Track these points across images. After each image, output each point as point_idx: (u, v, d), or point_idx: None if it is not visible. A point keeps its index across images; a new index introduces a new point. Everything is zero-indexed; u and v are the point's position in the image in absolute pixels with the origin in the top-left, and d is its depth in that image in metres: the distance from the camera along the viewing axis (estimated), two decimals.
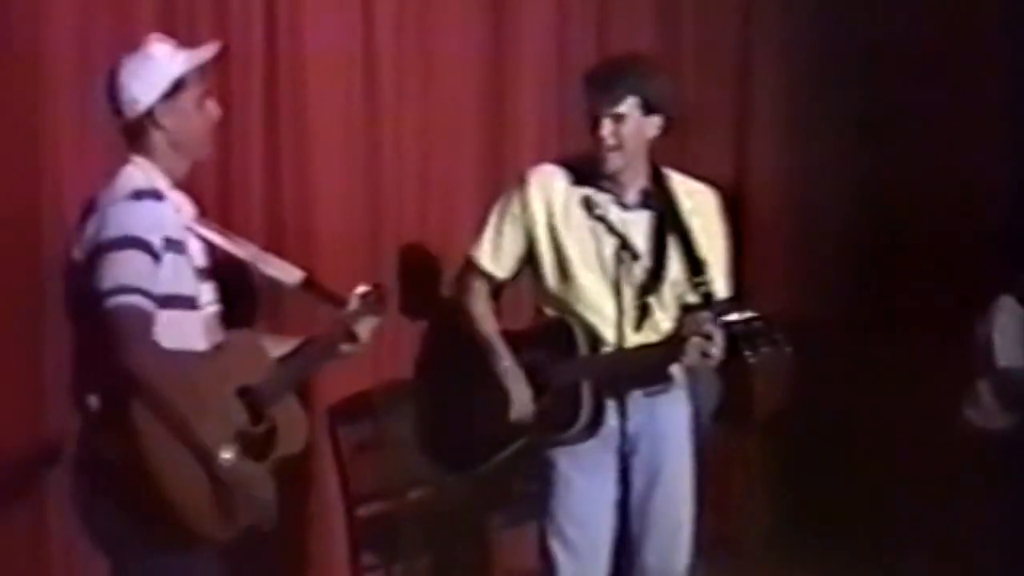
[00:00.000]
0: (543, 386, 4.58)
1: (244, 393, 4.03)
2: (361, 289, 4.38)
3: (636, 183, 4.58)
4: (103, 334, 3.72)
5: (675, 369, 4.61)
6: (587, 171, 4.60)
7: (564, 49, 6.79)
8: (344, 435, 5.82)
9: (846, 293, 7.41)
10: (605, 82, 4.51)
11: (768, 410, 6.47)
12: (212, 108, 4.09)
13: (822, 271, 7.48)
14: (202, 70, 4.06)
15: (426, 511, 6.00)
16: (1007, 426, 5.95)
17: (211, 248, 4.18)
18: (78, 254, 3.87)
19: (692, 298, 4.57)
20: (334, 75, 6.05)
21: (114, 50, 5.29)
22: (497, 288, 4.78)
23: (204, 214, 4.23)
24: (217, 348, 4.05)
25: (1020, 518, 5.94)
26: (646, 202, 4.56)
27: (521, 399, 4.56)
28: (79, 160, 5.42)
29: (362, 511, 5.85)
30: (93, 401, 3.82)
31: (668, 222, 4.53)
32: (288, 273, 4.38)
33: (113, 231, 3.78)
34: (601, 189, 4.56)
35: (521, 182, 4.66)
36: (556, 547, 4.66)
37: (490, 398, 4.59)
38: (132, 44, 5.32)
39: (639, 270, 4.46)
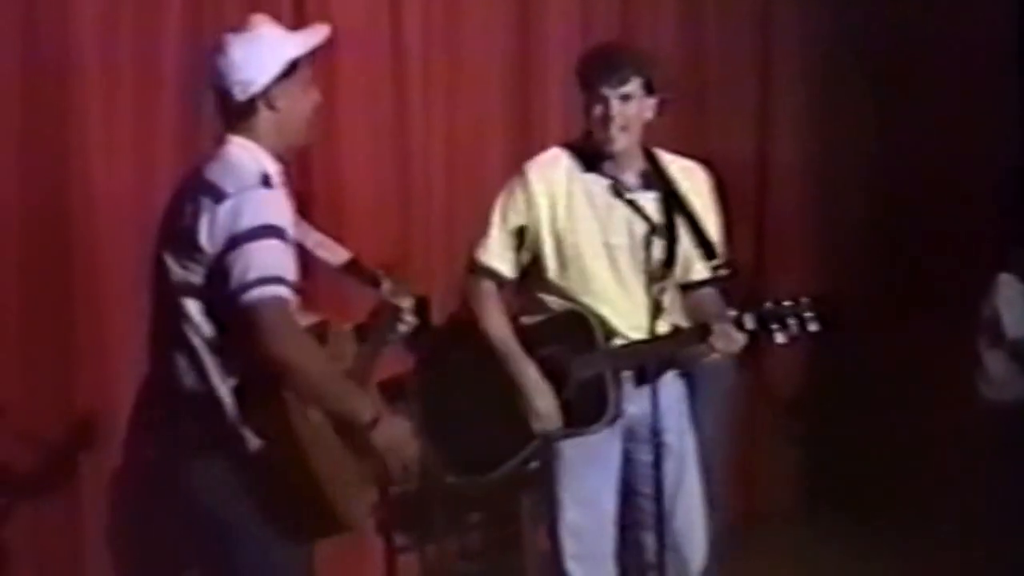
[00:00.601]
0: (564, 380, 4.53)
1: (350, 376, 4.02)
2: (382, 271, 4.37)
3: (635, 165, 4.54)
4: (246, 325, 3.60)
5: None
6: (587, 157, 4.57)
7: (589, 36, 6.76)
8: None
9: (865, 275, 7.41)
10: (611, 64, 4.49)
11: None
12: (314, 93, 3.97)
13: (842, 253, 7.50)
14: (311, 55, 3.94)
15: (458, 492, 5.83)
16: (1020, 396, 5.99)
17: None
18: (206, 242, 3.68)
19: (694, 277, 4.56)
20: (362, 66, 6.06)
21: (141, 49, 5.56)
22: (501, 287, 4.69)
23: None
24: (321, 335, 3.97)
25: None
26: (648, 184, 4.53)
27: (547, 412, 4.50)
28: (107, 155, 5.50)
29: (395, 492, 5.83)
30: (226, 389, 3.72)
31: (672, 203, 4.50)
32: (334, 254, 4.38)
33: (253, 219, 3.66)
34: (602, 174, 4.51)
35: (521, 176, 4.60)
36: (564, 534, 4.63)
37: (506, 399, 4.54)
38: (158, 42, 5.59)
39: (657, 253, 4.40)
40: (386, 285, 4.32)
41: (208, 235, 3.69)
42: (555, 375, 4.54)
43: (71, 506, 5.55)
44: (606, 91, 4.43)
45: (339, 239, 5.53)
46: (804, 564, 6.42)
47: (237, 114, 3.85)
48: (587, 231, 4.53)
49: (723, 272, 4.49)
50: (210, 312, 3.73)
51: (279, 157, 3.89)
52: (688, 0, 7.41)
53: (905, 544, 6.49)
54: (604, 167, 4.51)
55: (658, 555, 4.39)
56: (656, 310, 4.36)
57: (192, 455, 3.78)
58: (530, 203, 4.56)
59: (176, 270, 3.77)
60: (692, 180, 4.62)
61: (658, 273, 4.38)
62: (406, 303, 4.28)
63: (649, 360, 4.40)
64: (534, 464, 4.67)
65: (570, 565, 4.62)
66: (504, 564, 6.31)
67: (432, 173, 6.44)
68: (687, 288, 4.59)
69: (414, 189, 6.39)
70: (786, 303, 4.39)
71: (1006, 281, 6.14)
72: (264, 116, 3.85)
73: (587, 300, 4.52)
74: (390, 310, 4.27)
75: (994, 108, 7.30)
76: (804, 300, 4.40)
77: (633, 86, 4.45)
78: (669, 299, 4.52)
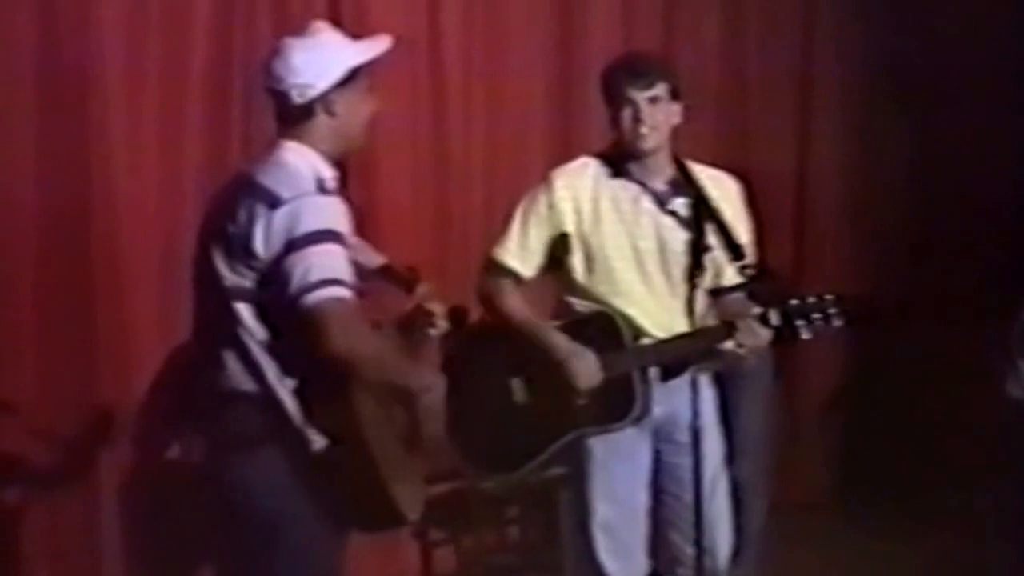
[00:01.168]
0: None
1: None
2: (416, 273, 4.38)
3: (664, 172, 4.54)
4: (309, 327, 3.58)
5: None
6: (615, 164, 4.57)
7: (631, 38, 6.81)
8: None
9: (900, 278, 7.38)
10: (637, 68, 4.49)
11: None
12: (373, 100, 3.95)
13: (878, 258, 7.48)
14: (371, 64, 3.92)
15: (495, 487, 5.90)
16: None
17: None
18: (261, 248, 3.67)
19: (725, 281, 4.52)
20: (400, 75, 6.00)
21: (167, 54, 5.56)
22: (518, 285, 4.67)
23: None
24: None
25: None
26: (677, 191, 4.52)
27: (588, 369, 4.45)
28: (129, 160, 5.50)
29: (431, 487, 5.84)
30: (285, 390, 3.71)
31: (702, 209, 4.45)
32: (369, 258, 4.37)
33: (310, 225, 3.63)
34: (631, 180, 4.53)
35: (546, 182, 4.60)
36: (596, 530, 4.61)
37: (529, 393, 4.54)
38: (185, 48, 5.59)
39: (686, 258, 4.36)
40: (421, 289, 4.32)
41: (264, 240, 3.67)
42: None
43: (89, 503, 5.55)
44: (634, 94, 4.43)
45: (377, 249, 5.62)
46: (837, 554, 6.40)
47: (294, 118, 3.83)
48: (614, 235, 4.53)
49: (750, 275, 4.40)
50: (264, 315, 3.73)
51: (334, 163, 3.89)
52: (730, 11, 7.39)
53: (937, 536, 6.47)
54: (632, 173, 4.52)
55: (696, 557, 4.37)
56: (688, 313, 4.33)
57: (246, 454, 3.77)
58: (552, 209, 4.55)
59: (228, 275, 3.75)
60: (722, 188, 4.59)
61: (689, 275, 4.33)
62: (439, 308, 4.27)
63: (676, 358, 4.41)
64: (556, 469, 4.73)
65: (604, 558, 4.62)
66: (541, 558, 6.28)
67: (471, 184, 6.41)
68: (718, 293, 4.53)
69: (453, 199, 6.36)
70: (811, 299, 4.38)
71: None
72: (321, 121, 3.84)
73: (616, 303, 4.52)
74: (422, 314, 4.26)
75: None
76: (828, 296, 4.40)
77: (660, 89, 4.45)
78: (700, 302, 4.46)
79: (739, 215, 4.60)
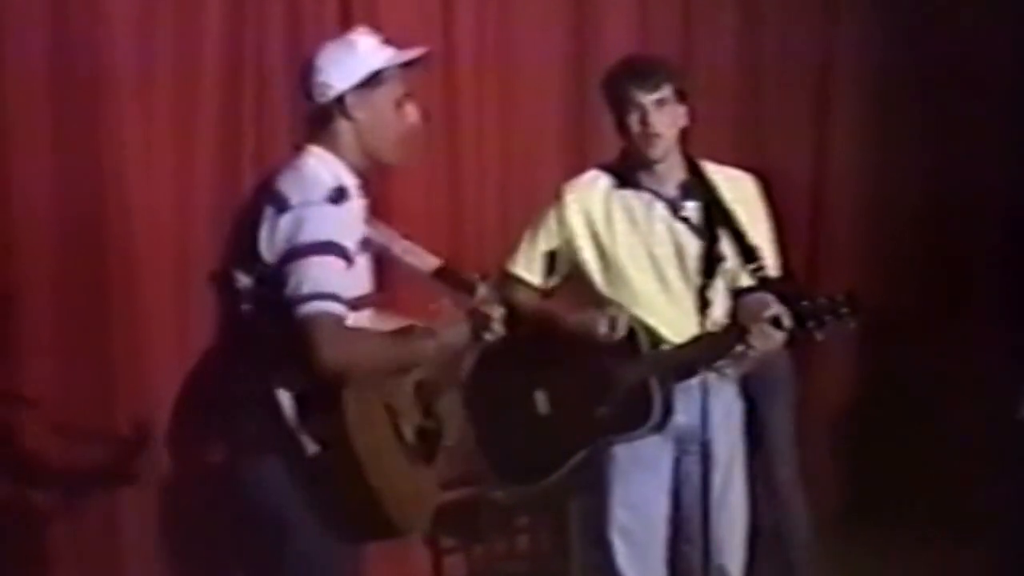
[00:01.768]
0: (610, 387, 4.46)
1: (418, 387, 3.99)
2: (478, 276, 4.24)
3: (674, 176, 4.47)
4: (299, 337, 3.57)
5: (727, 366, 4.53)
6: (624, 173, 4.52)
7: (648, 50, 6.66)
8: None
9: (916, 283, 7.31)
10: (642, 71, 4.43)
11: None
12: (411, 112, 3.86)
13: (894, 262, 7.41)
14: (406, 71, 3.86)
15: (506, 495, 5.90)
16: None
17: None
18: (266, 251, 3.65)
19: (744, 283, 4.46)
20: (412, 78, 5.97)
21: (178, 54, 5.54)
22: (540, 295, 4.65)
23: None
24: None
25: None
26: (687, 194, 4.44)
27: (615, 319, 4.39)
28: (143, 160, 5.48)
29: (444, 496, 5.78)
30: (286, 399, 3.69)
31: (715, 212, 4.41)
32: (423, 260, 4.29)
33: (311, 235, 3.59)
34: (640, 188, 4.47)
35: (557, 198, 4.57)
36: (616, 537, 4.59)
37: (552, 404, 4.52)
38: (196, 47, 5.58)
39: (696, 263, 4.34)
40: (480, 291, 4.18)
41: (268, 244, 3.64)
42: (601, 382, 4.47)
43: (109, 504, 5.55)
44: (641, 97, 4.36)
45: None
46: (847, 567, 6.30)
47: (318, 120, 3.80)
48: (629, 244, 4.48)
49: (763, 275, 4.38)
50: (268, 318, 3.69)
51: (360, 172, 3.82)
52: (747, 13, 7.35)
53: (947, 552, 6.40)
54: (642, 181, 4.46)
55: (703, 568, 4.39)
56: (702, 316, 4.27)
57: (249, 455, 3.77)
58: (562, 223, 4.54)
59: (238, 276, 3.74)
60: (738, 189, 4.53)
61: (700, 280, 4.29)
62: (497, 312, 4.15)
63: (690, 362, 4.35)
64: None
65: (622, 564, 4.59)
66: (550, 567, 6.27)
67: (485, 188, 6.41)
68: (738, 294, 4.50)
69: (467, 204, 6.36)
70: (822, 300, 4.29)
71: None
72: (342, 126, 3.78)
73: (636, 312, 4.46)
74: (479, 318, 4.14)
75: None
76: (840, 297, 4.30)
77: (666, 91, 4.38)
78: (718, 304, 4.43)
79: (758, 214, 4.55)
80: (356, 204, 3.78)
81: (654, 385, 4.39)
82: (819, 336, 4.27)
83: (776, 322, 4.27)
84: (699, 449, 4.26)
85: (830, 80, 7.60)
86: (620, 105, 4.42)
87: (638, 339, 4.42)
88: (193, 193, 5.60)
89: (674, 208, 4.39)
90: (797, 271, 5.80)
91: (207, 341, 4.23)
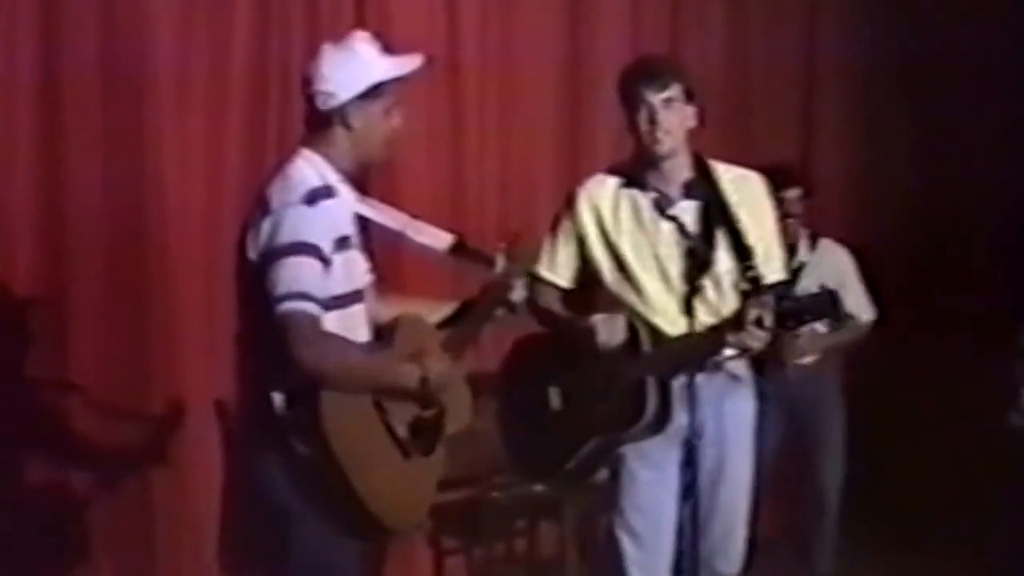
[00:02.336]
0: (611, 387, 4.42)
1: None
2: (502, 246, 4.19)
3: (680, 175, 4.43)
4: (278, 336, 3.61)
5: (741, 366, 4.47)
6: (632, 173, 4.50)
7: (638, 50, 6.66)
8: None
9: (905, 285, 7.21)
10: (651, 71, 4.41)
11: None
12: (397, 117, 3.88)
13: (883, 263, 7.29)
14: (399, 81, 3.87)
15: (504, 497, 5.95)
16: None
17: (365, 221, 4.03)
18: (253, 254, 3.71)
19: (743, 284, 4.41)
20: (419, 78, 5.92)
21: (212, 63, 5.67)
22: (565, 299, 4.63)
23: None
24: (389, 333, 3.94)
25: None
26: (689, 193, 4.41)
27: (611, 326, 4.36)
28: (179, 162, 5.58)
29: (443, 496, 5.74)
30: (278, 399, 3.69)
31: (714, 213, 4.39)
32: (438, 239, 4.20)
33: (287, 236, 3.63)
34: (646, 188, 4.44)
35: (568, 199, 4.57)
36: (624, 537, 4.54)
37: (561, 401, 4.50)
38: (227, 57, 5.70)
39: (689, 262, 4.30)
40: (500, 263, 4.16)
41: (253, 248, 3.71)
42: (604, 380, 4.43)
43: (144, 491, 5.64)
44: (649, 96, 4.33)
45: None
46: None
47: (317, 124, 3.82)
48: (635, 244, 4.45)
49: (754, 275, 4.32)
50: (258, 319, 3.72)
51: (348, 174, 3.83)
52: (735, 15, 7.39)
53: (936, 561, 6.39)
54: (649, 181, 4.43)
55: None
56: (692, 316, 4.24)
57: (259, 454, 3.80)
58: (575, 220, 4.52)
59: (238, 279, 3.81)
60: (744, 188, 4.49)
61: (688, 279, 4.27)
62: (518, 286, 4.17)
63: (679, 362, 4.28)
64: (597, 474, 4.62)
65: (631, 568, 4.54)
66: (548, 571, 6.23)
67: (485, 183, 6.44)
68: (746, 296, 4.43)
69: (468, 199, 6.38)
70: (804, 301, 4.22)
71: None
72: (338, 132, 3.79)
73: (643, 311, 4.44)
74: (501, 287, 4.14)
75: None
76: (818, 293, 4.26)
77: (675, 91, 4.35)
78: (720, 304, 4.39)
79: (764, 213, 4.51)
80: (341, 200, 3.78)
81: (650, 384, 4.34)
82: (800, 332, 4.34)
83: (758, 322, 4.19)
84: (714, 451, 4.27)
85: (816, 80, 7.63)
86: (630, 104, 4.39)
87: (640, 338, 4.38)
88: (222, 196, 5.69)
89: (661, 209, 4.32)
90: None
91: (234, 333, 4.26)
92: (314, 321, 3.62)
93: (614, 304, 4.49)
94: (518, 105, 6.52)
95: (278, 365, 3.66)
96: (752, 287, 4.33)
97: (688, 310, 4.29)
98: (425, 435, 3.93)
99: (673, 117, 4.34)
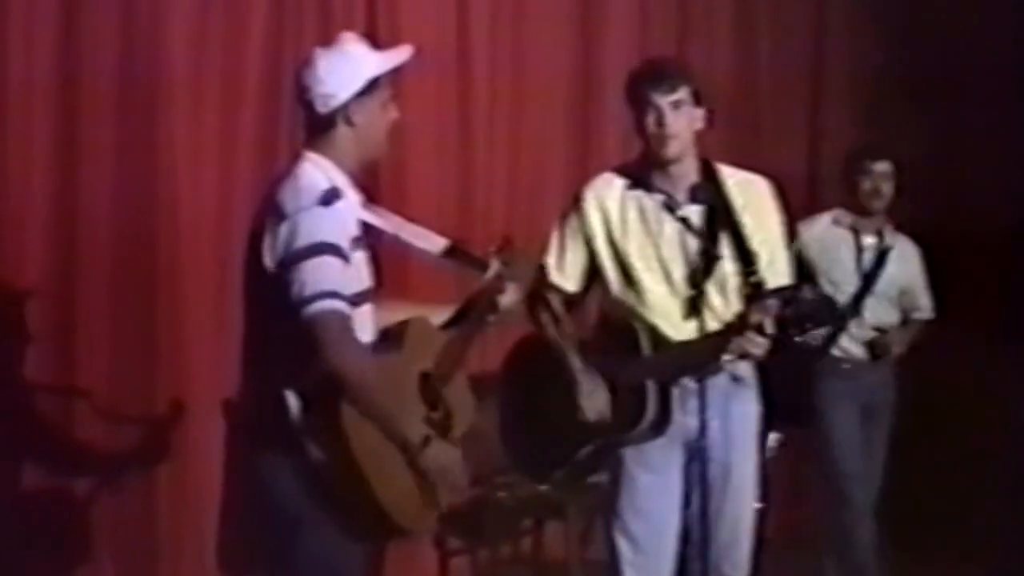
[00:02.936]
0: (609, 389, 4.42)
1: (423, 379, 3.94)
2: (493, 249, 4.19)
3: (687, 179, 4.40)
4: (306, 340, 3.57)
5: (746, 369, 4.44)
6: (638, 175, 4.46)
7: (648, 43, 6.84)
8: None
9: None
10: (660, 73, 4.39)
11: None
12: (393, 110, 3.88)
13: None
14: (393, 73, 3.86)
15: (510, 497, 5.91)
16: None
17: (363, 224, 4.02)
18: (269, 261, 3.67)
19: (746, 289, 4.38)
20: (429, 82, 6.04)
21: (226, 69, 5.72)
22: (570, 302, 4.59)
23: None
24: (399, 336, 3.92)
25: None
26: (695, 196, 4.36)
27: (593, 402, 4.40)
28: (191, 168, 5.62)
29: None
30: (293, 403, 3.67)
31: (719, 216, 4.36)
32: (431, 242, 4.20)
33: (307, 238, 3.60)
34: (652, 190, 4.41)
35: (575, 199, 4.53)
36: (621, 541, 4.50)
37: (560, 402, 4.45)
38: (241, 62, 5.75)
39: (696, 266, 4.32)
40: (494, 267, 4.15)
41: (270, 253, 3.67)
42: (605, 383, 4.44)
43: (147, 493, 5.66)
44: (657, 99, 4.30)
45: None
46: None
47: (318, 128, 3.78)
48: (640, 246, 4.42)
49: (757, 280, 4.30)
50: (275, 325, 3.69)
51: (353, 173, 3.82)
52: (742, 20, 7.40)
53: (954, 563, 6.36)
54: (655, 183, 4.40)
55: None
56: (698, 319, 4.26)
57: (265, 454, 3.77)
58: (583, 222, 4.48)
59: (251, 284, 3.79)
60: (750, 192, 4.46)
61: (691, 282, 4.31)
62: (509, 290, 4.16)
63: (681, 367, 4.31)
64: (599, 476, 4.60)
65: (627, 571, 4.50)
66: (552, 570, 6.21)
67: (494, 189, 6.46)
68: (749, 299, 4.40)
69: (476, 203, 6.38)
70: (804, 308, 4.16)
71: None
72: (342, 131, 3.77)
73: (644, 313, 4.41)
74: (494, 291, 4.12)
75: None
76: (824, 305, 4.21)
77: (683, 93, 4.32)
78: (724, 308, 4.37)
79: (769, 217, 4.48)
80: (349, 201, 3.77)
81: (651, 387, 4.33)
82: (799, 341, 4.20)
83: (759, 328, 4.19)
84: (716, 455, 4.24)
85: (822, 86, 7.63)
86: (638, 106, 4.36)
87: (640, 342, 4.36)
88: (233, 199, 5.69)
89: (671, 209, 4.32)
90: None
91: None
92: (344, 319, 3.61)
93: (617, 307, 4.46)
94: (527, 111, 6.54)
95: (294, 369, 3.64)
96: (755, 291, 4.30)
97: (691, 314, 4.31)
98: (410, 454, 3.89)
99: (681, 119, 4.31)
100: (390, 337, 3.93)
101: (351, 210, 3.79)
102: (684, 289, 4.35)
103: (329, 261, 3.61)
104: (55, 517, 5.41)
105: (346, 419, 3.63)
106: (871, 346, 5.75)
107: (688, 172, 4.40)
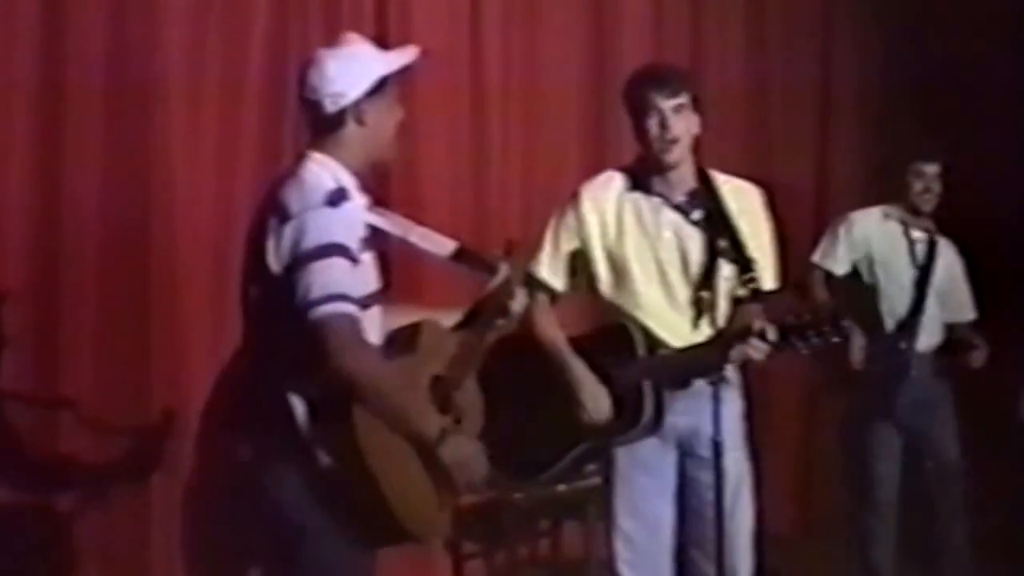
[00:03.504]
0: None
1: (435, 382, 3.88)
2: (499, 254, 4.13)
3: (685, 183, 4.39)
4: (312, 343, 3.50)
5: (729, 368, 4.40)
6: (639, 177, 4.44)
7: (661, 54, 6.82)
8: None
9: None
10: (662, 77, 4.37)
11: None
12: (400, 110, 3.83)
13: None
14: (400, 73, 3.81)
15: (527, 499, 5.86)
16: None
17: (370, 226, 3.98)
18: (273, 263, 3.60)
19: (742, 292, 4.33)
20: (442, 86, 6.06)
21: (226, 67, 5.67)
22: (554, 300, 4.56)
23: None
24: (412, 339, 3.87)
25: None
26: (693, 202, 4.37)
27: (595, 404, 4.36)
28: (188, 168, 5.57)
29: (464, 499, 5.68)
30: (300, 410, 3.60)
31: (716, 221, 4.34)
32: (440, 245, 4.15)
33: (315, 239, 3.53)
34: (651, 192, 4.39)
35: (574, 197, 4.49)
36: (616, 541, 4.47)
37: (549, 402, 4.41)
38: (242, 61, 5.72)
39: (695, 269, 4.33)
40: (503, 271, 4.09)
41: (275, 254, 3.59)
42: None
43: (140, 504, 5.59)
44: (660, 102, 4.27)
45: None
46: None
47: (326, 128, 3.72)
48: (637, 248, 4.39)
49: (756, 287, 4.26)
50: (280, 328, 3.61)
51: (360, 174, 3.76)
52: (754, 30, 7.43)
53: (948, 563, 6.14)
54: (654, 186, 4.38)
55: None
56: (696, 322, 4.28)
57: (269, 462, 3.69)
58: (580, 222, 4.44)
59: (252, 287, 3.71)
60: (743, 199, 4.44)
61: (694, 286, 4.31)
62: (518, 295, 4.11)
63: (682, 372, 4.29)
64: (591, 478, 4.60)
65: (623, 570, 4.46)
66: (570, 572, 6.16)
67: (508, 192, 6.46)
68: (736, 303, 4.38)
69: (490, 207, 6.38)
70: (807, 317, 4.20)
71: None
72: (351, 130, 3.71)
73: (638, 315, 4.37)
74: (504, 294, 4.07)
75: None
76: (825, 315, 4.21)
77: (684, 98, 4.30)
78: (718, 311, 4.34)
79: (760, 225, 4.46)
80: (356, 203, 3.72)
81: (647, 388, 4.30)
82: (804, 351, 4.19)
83: (762, 335, 4.17)
84: (708, 453, 4.19)
85: (832, 96, 7.66)
86: (639, 110, 4.33)
87: (634, 343, 4.34)
88: (232, 203, 5.62)
89: (685, 214, 4.33)
90: (800, 283, 5.83)
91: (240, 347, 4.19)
92: (354, 322, 3.54)
93: (609, 309, 4.44)
94: (541, 115, 6.54)
95: (299, 374, 3.58)
96: (750, 295, 4.27)
97: (685, 316, 4.32)
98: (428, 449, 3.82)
99: (682, 124, 4.29)
100: (401, 340, 3.87)
101: (358, 211, 3.73)
102: (680, 292, 4.35)
103: (337, 263, 3.54)
104: (47, 528, 5.36)
105: (357, 423, 3.57)
106: (951, 341, 5.84)
107: (686, 177, 4.39)
